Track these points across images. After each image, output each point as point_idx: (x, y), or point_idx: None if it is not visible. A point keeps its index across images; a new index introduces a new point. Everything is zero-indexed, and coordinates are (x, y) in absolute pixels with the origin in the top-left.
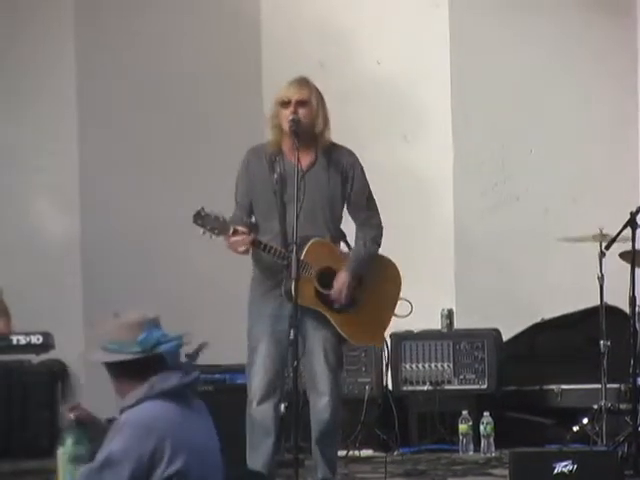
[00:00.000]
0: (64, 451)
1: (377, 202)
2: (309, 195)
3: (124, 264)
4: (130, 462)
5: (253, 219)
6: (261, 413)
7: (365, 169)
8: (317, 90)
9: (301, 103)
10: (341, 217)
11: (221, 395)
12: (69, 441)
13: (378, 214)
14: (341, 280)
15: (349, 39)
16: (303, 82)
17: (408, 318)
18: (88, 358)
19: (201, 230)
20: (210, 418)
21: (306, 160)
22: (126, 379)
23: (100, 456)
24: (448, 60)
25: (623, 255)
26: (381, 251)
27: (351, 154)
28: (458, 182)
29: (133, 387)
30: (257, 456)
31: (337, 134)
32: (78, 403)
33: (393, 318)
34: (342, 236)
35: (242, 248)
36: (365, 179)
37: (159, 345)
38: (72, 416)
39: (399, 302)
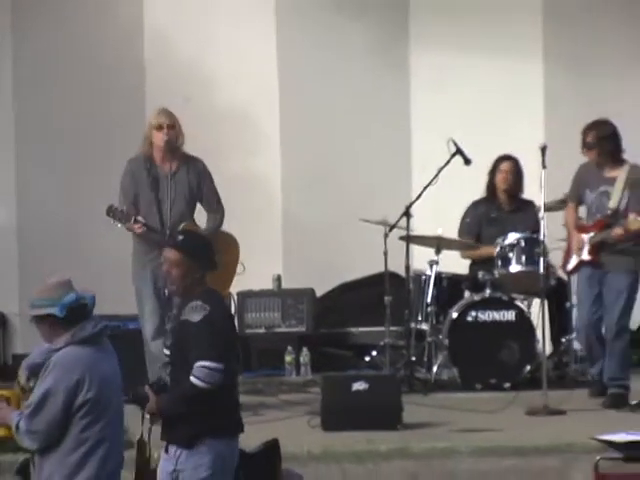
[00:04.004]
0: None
1: (223, 197)
2: (178, 194)
3: (51, 240)
4: (62, 392)
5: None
6: (155, 348)
7: (219, 174)
8: (175, 116)
9: (170, 127)
10: (195, 208)
11: (118, 338)
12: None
13: (221, 204)
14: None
15: (210, 77)
16: (168, 111)
17: (249, 280)
18: (28, 312)
19: (112, 220)
20: (115, 357)
21: (172, 167)
22: (50, 328)
23: (39, 391)
24: (277, 91)
25: (402, 238)
26: (227, 230)
27: (202, 162)
28: (286, 179)
29: (58, 334)
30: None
31: (198, 150)
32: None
33: (236, 277)
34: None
35: (139, 231)
36: (212, 180)
37: (77, 300)
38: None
39: (239, 264)
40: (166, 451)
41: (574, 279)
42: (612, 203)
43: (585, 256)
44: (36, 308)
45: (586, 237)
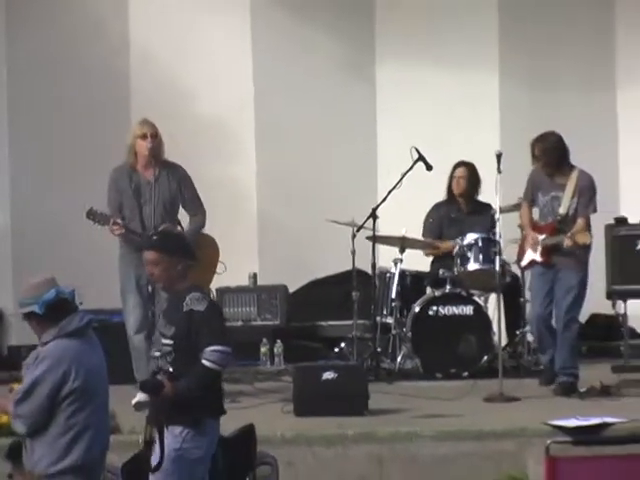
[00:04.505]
0: None
1: (203, 201)
2: (159, 198)
3: (43, 238)
4: (49, 381)
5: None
6: (138, 341)
7: (199, 180)
8: (156, 126)
9: (153, 135)
10: (178, 211)
11: (104, 330)
12: None
13: (203, 207)
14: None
15: (191, 89)
16: (150, 122)
17: (227, 278)
18: (19, 310)
19: (92, 222)
20: (101, 348)
21: (154, 173)
22: (37, 324)
23: (28, 380)
24: (253, 102)
25: (368, 238)
26: (207, 232)
27: (182, 168)
28: (261, 184)
29: (45, 329)
30: (141, 373)
31: (180, 157)
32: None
33: (216, 275)
34: (178, 223)
35: (118, 232)
36: (193, 185)
37: (57, 296)
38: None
39: (219, 264)
40: (167, 428)
41: (527, 276)
42: (562, 209)
43: (538, 257)
44: (22, 307)
45: (539, 237)
